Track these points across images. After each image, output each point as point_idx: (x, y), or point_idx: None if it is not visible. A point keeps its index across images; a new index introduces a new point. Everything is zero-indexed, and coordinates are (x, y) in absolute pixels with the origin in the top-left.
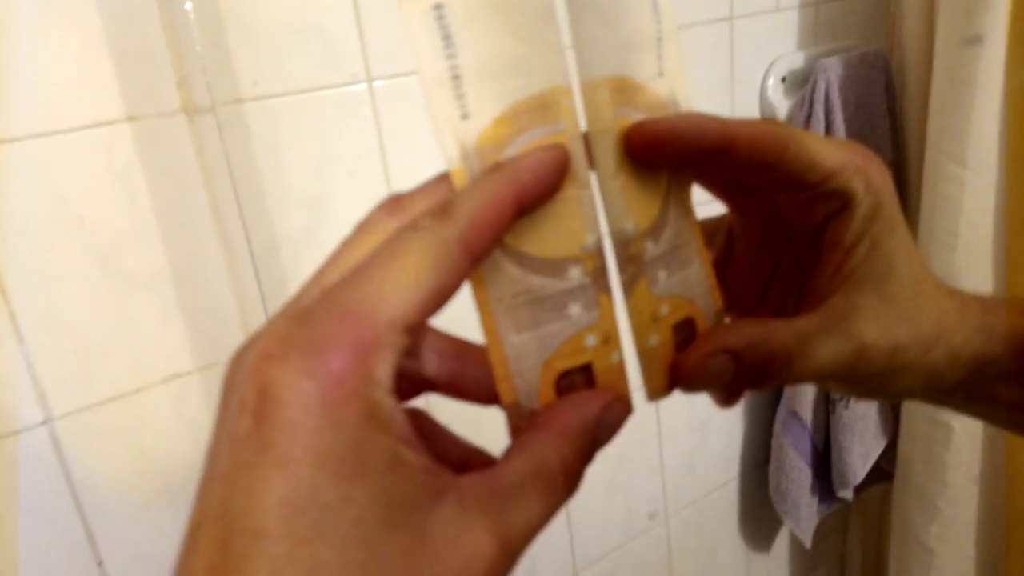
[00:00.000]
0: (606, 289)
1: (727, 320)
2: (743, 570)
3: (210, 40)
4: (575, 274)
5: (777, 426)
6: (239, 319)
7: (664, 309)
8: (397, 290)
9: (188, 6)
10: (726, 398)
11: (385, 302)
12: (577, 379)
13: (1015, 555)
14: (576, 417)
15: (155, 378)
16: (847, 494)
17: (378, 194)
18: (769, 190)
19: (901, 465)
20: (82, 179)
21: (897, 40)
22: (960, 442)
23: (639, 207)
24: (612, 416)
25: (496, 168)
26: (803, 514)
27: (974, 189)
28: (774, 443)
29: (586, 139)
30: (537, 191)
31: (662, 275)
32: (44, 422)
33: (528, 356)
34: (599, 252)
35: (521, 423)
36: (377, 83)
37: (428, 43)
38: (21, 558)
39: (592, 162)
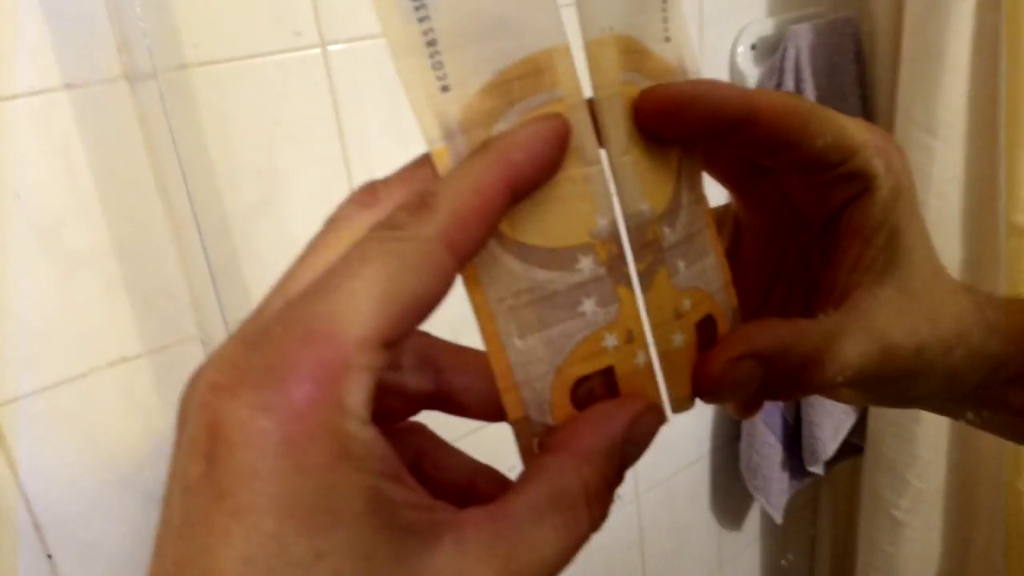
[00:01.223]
0: (625, 280)
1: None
2: (714, 548)
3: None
4: (586, 264)
5: None
6: (189, 299)
7: (687, 304)
8: (368, 302)
9: None
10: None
11: (354, 317)
12: (597, 386)
13: (979, 526)
14: (600, 434)
15: (102, 361)
16: (818, 469)
17: (334, 167)
18: (784, 171)
19: (871, 439)
20: (17, 151)
21: (867, 7)
22: (930, 415)
23: (653, 186)
24: (643, 429)
25: (483, 147)
26: (774, 490)
27: (943, 159)
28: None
29: (591, 107)
30: (533, 171)
31: (681, 265)
32: None
33: (537, 363)
34: (614, 238)
35: (532, 442)
36: (332, 47)
37: (395, 2)
38: None
39: (599, 134)
